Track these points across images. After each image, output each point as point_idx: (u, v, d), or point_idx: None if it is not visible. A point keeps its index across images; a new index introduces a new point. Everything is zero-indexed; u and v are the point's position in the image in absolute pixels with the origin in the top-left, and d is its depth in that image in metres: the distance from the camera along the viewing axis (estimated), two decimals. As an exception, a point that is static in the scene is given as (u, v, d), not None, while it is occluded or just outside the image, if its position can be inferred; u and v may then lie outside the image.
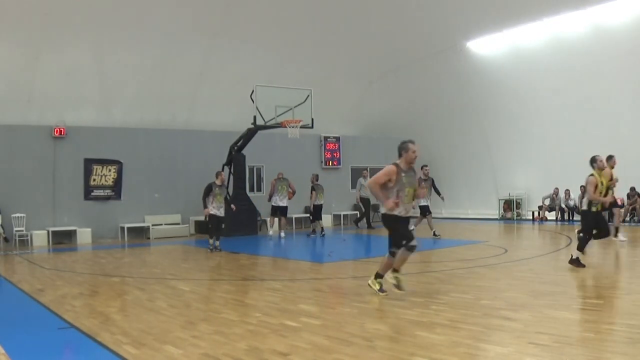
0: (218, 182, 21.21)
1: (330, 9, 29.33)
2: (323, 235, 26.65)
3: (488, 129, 34.28)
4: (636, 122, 28.05)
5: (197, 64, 29.47)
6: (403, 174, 11.07)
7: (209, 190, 20.94)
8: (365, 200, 29.94)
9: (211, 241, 21.13)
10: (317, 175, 28.33)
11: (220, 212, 21.16)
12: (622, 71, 27.84)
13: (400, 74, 35.84)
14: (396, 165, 11.15)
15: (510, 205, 33.64)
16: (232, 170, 27.60)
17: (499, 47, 32.11)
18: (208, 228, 21.61)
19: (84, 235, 26.22)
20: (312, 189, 27.30)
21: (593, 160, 16.01)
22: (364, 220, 30.70)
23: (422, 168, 22.23)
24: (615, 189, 19.65)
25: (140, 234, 27.74)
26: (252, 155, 28.40)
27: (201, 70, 29.61)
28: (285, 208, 26.75)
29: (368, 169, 30.16)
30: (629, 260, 17.03)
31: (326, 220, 32.46)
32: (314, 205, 27.20)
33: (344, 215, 33.84)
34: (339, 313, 10.14)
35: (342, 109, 36.09)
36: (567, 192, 31.17)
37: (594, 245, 17.74)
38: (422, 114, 37.06)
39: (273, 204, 26.59)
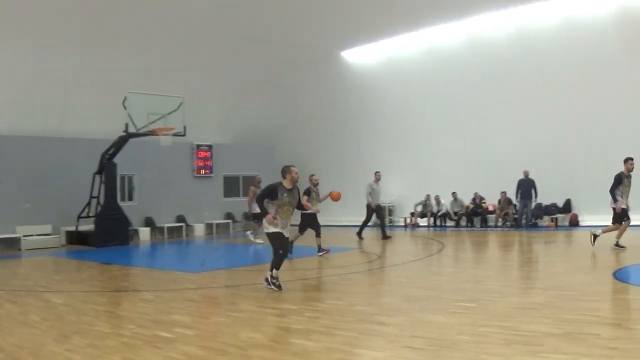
0: (287, 184, 13.04)
1: (204, 17, 29.22)
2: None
3: (362, 137, 34.80)
4: (507, 130, 29.03)
5: (70, 71, 28.79)
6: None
7: (270, 193, 12.84)
8: (376, 207, 26.13)
9: (274, 273, 12.91)
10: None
11: (285, 233, 13.15)
12: (497, 81, 28.83)
13: (275, 83, 35.98)
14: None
15: (384, 213, 34.12)
16: (103, 179, 27.08)
17: (374, 57, 32.88)
18: (276, 253, 13.03)
19: (-48, 248, 25.42)
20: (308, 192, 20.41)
21: None
22: (371, 228, 28.10)
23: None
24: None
25: (11, 246, 26.90)
26: (123, 163, 27.88)
27: (74, 77, 28.97)
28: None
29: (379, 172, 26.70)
30: (501, 264, 17.46)
31: (198, 229, 32.30)
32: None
33: (216, 224, 33.58)
34: (213, 323, 10.12)
35: (216, 116, 35.90)
36: (437, 198, 31.83)
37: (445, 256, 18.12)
38: (296, 122, 37.38)
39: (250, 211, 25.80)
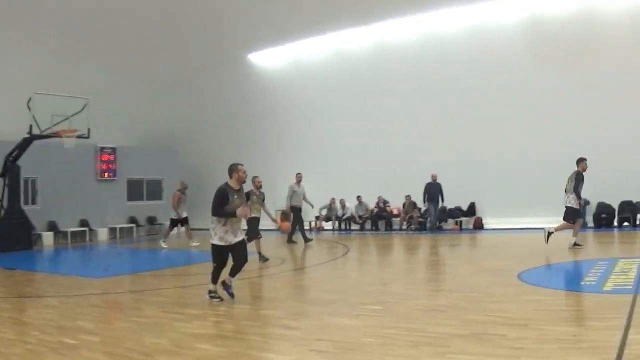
0: (234, 185, 11.79)
1: (112, 18, 28.97)
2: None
3: (269, 140, 34.75)
4: (413, 134, 29.54)
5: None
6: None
7: (224, 199, 11.52)
8: (296, 209, 25.57)
9: (211, 287, 12.03)
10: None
11: (238, 237, 11.82)
12: (403, 86, 29.41)
13: (181, 85, 35.81)
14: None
15: (288, 217, 34.05)
16: (7, 182, 26.47)
17: (282, 60, 33.02)
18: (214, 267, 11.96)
19: None
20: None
21: None
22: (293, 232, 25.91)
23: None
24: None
25: None
26: (27, 166, 27.19)
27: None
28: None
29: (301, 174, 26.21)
30: (407, 267, 17.70)
31: (102, 233, 31.91)
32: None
33: (120, 228, 33.25)
34: (118, 329, 10.03)
35: (120, 118, 35.34)
36: (342, 202, 32.03)
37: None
38: (203, 125, 37.15)
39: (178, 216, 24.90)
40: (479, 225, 28.80)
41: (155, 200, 35.47)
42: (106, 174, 33.41)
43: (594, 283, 11.96)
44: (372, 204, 31.38)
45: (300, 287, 14.02)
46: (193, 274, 16.02)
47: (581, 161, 18.68)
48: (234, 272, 11.82)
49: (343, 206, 32.24)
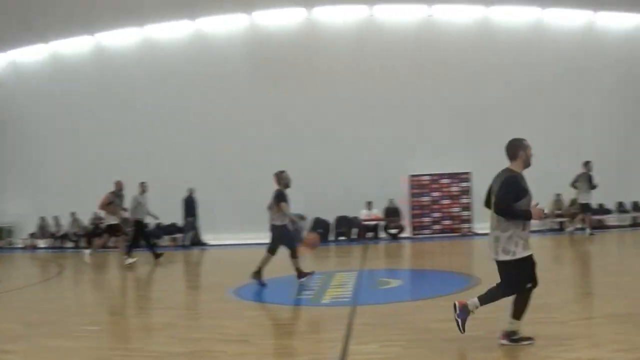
0: (519, 167, 7.99)
1: None
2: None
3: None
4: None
5: None
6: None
7: (520, 192, 7.90)
8: (140, 223, 21.82)
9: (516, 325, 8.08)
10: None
11: None
12: (125, 97, 29.31)
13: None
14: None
15: (1, 234, 32.77)
16: None
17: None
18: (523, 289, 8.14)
19: None
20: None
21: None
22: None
23: None
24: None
25: None
26: None
27: None
28: None
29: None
30: (122, 285, 17.59)
31: None
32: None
33: None
34: None
35: None
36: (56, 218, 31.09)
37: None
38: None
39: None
40: (196, 242, 28.82)
41: None
42: None
43: (311, 296, 12.42)
44: (86, 220, 30.35)
45: (14, 309, 13.54)
46: None
47: (587, 163, 21.50)
48: (491, 298, 8.23)
49: (57, 223, 31.23)
